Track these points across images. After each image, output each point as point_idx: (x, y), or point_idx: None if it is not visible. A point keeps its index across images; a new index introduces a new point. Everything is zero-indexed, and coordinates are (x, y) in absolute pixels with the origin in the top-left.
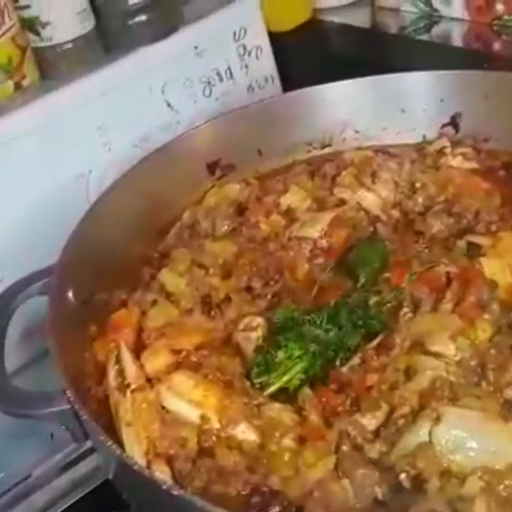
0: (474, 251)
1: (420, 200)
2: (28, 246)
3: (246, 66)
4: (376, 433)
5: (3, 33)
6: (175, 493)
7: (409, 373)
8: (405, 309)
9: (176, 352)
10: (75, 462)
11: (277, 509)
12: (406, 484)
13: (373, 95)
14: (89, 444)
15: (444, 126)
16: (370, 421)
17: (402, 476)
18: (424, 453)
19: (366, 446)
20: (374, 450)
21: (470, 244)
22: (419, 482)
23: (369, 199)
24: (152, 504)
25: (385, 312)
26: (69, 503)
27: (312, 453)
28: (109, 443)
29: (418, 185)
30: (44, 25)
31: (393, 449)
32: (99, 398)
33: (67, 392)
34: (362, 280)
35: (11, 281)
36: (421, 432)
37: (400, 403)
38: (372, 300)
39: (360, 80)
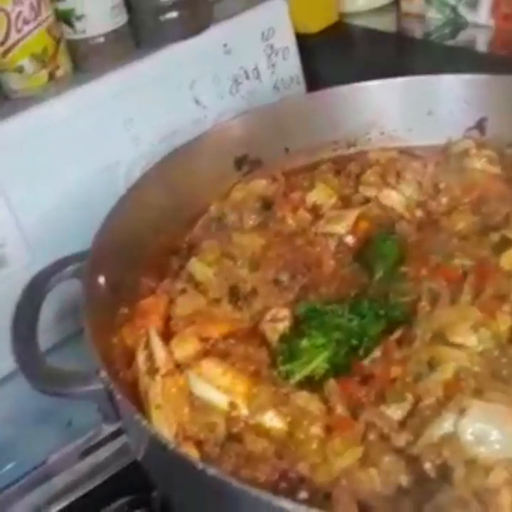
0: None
1: (444, 200)
2: (55, 233)
3: (273, 66)
4: (402, 423)
5: (39, 24)
6: (210, 473)
7: (433, 365)
8: (423, 302)
9: (204, 340)
10: (93, 449)
11: (305, 495)
12: (431, 473)
13: (401, 97)
14: (108, 431)
15: (469, 129)
16: (395, 412)
17: (428, 465)
18: (450, 443)
19: (393, 435)
20: (401, 439)
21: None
22: (444, 472)
23: (393, 197)
24: (181, 485)
25: (404, 304)
26: (89, 488)
27: (340, 442)
28: (144, 423)
29: (442, 186)
30: (79, 17)
31: (418, 439)
32: (128, 382)
33: (102, 372)
34: (378, 274)
35: (38, 267)
36: (446, 423)
37: (425, 394)
38: (391, 293)
39: (388, 80)
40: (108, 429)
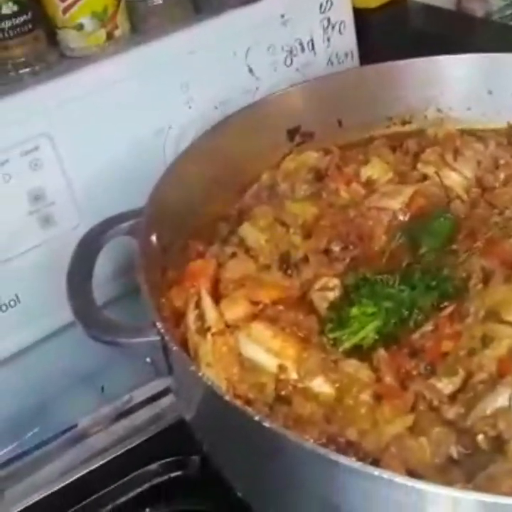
0: None
1: (502, 175)
2: (103, 195)
3: (328, 39)
4: (452, 397)
5: None
6: (266, 425)
7: (486, 341)
8: (475, 280)
9: (253, 304)
10: (128, 413)
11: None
12: (483, 445)
13: (461, 74)
14: (140, 397)
15: None
16: (446, 386)
17: (480, 437)
18: (505, 416)
19: (443, 407)
20: (451, 411)
21: None
22: (497, 444)
23: (452, 177)
24: (232, 442)
25: (456, 278)
26: (124, 450)
27: (390, 409)
28: (200, 373)
29: (502, 162)
30: None
31: (471, 411)
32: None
33: (158, 324)
34: (423, 250)
35: (86, 229)
36: (500, 398)
37: (478, 369)
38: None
39: (449, 56)
40: (140, 396)
